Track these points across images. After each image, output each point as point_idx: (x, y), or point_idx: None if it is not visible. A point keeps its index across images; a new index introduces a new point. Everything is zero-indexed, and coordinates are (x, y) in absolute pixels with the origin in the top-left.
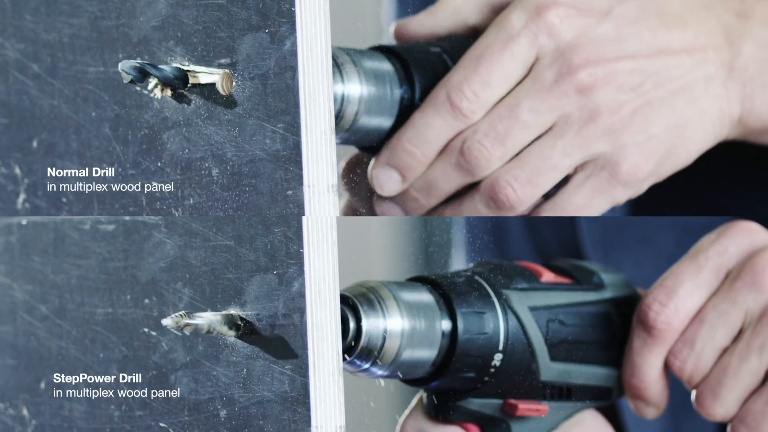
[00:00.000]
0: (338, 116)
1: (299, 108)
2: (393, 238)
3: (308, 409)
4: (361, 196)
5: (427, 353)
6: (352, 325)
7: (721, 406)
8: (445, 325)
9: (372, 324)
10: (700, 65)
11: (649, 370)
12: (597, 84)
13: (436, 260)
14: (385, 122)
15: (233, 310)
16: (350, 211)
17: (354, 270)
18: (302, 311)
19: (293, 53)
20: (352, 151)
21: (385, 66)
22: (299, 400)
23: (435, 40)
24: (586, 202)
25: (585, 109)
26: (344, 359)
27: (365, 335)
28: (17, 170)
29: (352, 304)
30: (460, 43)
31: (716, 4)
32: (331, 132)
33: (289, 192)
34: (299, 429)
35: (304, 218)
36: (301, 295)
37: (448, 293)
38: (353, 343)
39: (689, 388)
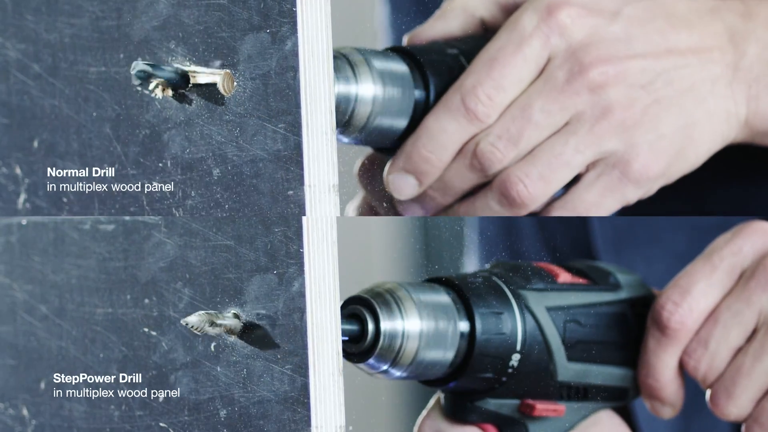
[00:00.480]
0: (351, 116)
1: (300, 108)
2: (393, 238)
3: (308, 409)
4: (377, 193)
5: (445, 354)
6: (370, 326)
7: (736, 406)
8: (463, 325)
9: (390, 325)
10: (706, 65)
11: (663, 369)
12: (609, 82)
13: (436, 260)
14: (400, 123)
15: (233, 310)
16: (366, 207)
17: (354, 270)
18: (302, 311)
19: (294, 53)
20: (368, 149)
21: (400, 67)
22: (299, 400)
23: (453, 41)
24: (597, 200)
25: (597, 106)
26: (363, 361)
27: (384, 337)
28: (18, 170)
29: (370, 305)
30: (477, 44)
31: (720, 6)
32: (332, 132)
33: (290, 192)
34: (299, 429)
35: (304, 218)
36: (301, 295)
37: (466, 294)
38: (372, 345)
39: (704, 388)
